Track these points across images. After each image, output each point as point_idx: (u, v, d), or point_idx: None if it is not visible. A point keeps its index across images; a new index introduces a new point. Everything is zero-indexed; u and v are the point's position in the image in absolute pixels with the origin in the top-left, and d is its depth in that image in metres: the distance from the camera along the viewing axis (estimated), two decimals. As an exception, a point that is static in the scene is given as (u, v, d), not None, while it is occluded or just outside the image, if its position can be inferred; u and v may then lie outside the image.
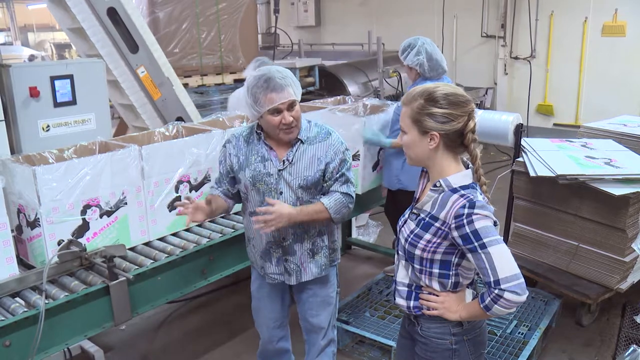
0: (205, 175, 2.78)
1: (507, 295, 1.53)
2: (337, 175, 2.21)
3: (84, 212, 2.33)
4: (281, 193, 2.18)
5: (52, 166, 2.23)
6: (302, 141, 2.18)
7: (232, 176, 2.29)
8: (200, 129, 2.90)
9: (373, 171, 3.47)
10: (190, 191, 2.73)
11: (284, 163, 2.17)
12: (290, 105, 2.10)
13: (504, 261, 1.55)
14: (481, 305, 1.60)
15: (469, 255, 1.60)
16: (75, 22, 3.99)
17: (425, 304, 1.74)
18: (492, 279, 1.55)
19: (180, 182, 2.68)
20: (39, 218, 2.21)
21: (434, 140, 1.63)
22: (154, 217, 2.61)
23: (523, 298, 1.54)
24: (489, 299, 1.57)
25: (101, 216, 2.40)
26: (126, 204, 2.47)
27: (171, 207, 2.66)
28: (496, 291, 1.54)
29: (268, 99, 2.05)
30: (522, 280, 1.55)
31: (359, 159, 3.33)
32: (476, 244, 1.56)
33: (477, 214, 1.56)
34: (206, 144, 2.75)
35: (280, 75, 2.08)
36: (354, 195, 2.26)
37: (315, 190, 2.22)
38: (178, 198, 2.68)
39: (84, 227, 2.34)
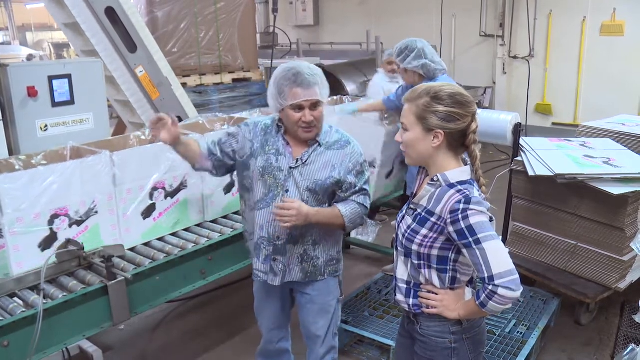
0: (182, 182, 2.68)
1: (501, 291, 1.53)
2: (356, 188, 2.17)
3: (51, 222, 2.22)
4: (287, 191, 2.13)
5: (14, 174, 2.11)
6: (320, 144, 2.14)
7: (230, 150, 2.23)
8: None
9: (386, 179, 3.47)
10: (166, 198, 2.63)
11: (297, 162, 2.12)
12: (314, 105, 2.05)
13: (498, 257, 1.55)
14: (477, 302, 1.60)
15: (464, 251, 1.61)
16: (71, 18, 3.97)
17: (424, 302, 1.74)
18: (486, 275, 1.55)
19: (155, 188, 2.56)
20: (1, 229, 2.11)
21: (438, 138, 1.64)
22: (127, 226, 2.50)
23: (517, 294, 1.54)
24: (484, 295, 1.57)
25: (70, 226, 2.28)
26: (97, 212, 2.37)
27: (145, 214, 2.57)
28: (490, 287, 1.54)
29: (293, 93, 2.01)
30: (517, 276, 1.55)
31: (375, 167, 3.33)
32: (471, 239, 1.56)
33: (472, 209, 1.57)
34: None
35: (310, 72, 2.03)
36: (369, 208, 2.23)
37: (323, 198, 2.16)
38: (153, 205, 2.58)
39: (51, 238, 2.23)
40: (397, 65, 4.78)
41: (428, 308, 1.74)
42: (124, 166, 2.43)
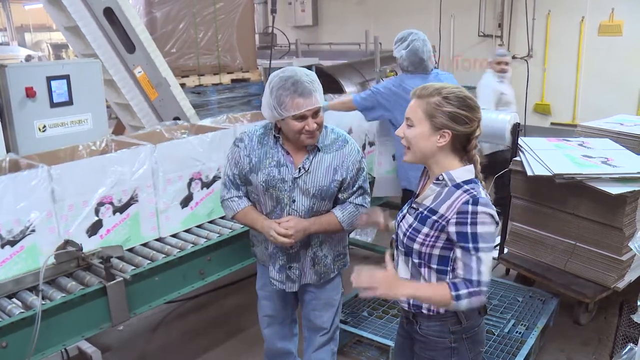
0: (132, 196, 2.50)
1: (482, 296, 1.61)
2: (354, 188, 2.18)
3: None
4: (294, 201, 2.13)
5: None
6: (318, 148, 2.13)
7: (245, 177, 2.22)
8: (131, 143, 2.63)
9: (394, 160, 3.50)
10: (115, 213, 2.45)
11: (299, 171, 2.11)
12: (316, 113, 2.04)
13: (487, 268, 1.62)
14: (452, 294, 1.60)
15: (458, 250, 1.63)
16: (71, 21, 3.98)
17: (356, 285, 1.66)
18: (474, 279, 1.60)
19: (101, 203, 2.39)
20: None
21: (444, 138, 1.64)
22: None
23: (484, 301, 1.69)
24: (466, 291, 1.60)
25: (3, 246, 2.11)
26: (34, 231, 2.18)
27: (91, 232, 2.40)
28: (477, 289, 1.60)
29: (295, 104, 1.98)
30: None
31: (374, 144, 3.40)
32: (471, 245, 1.60)
33: (482, 213, 1.58)
34: (131, 161, 2.46)
35: (308, 79, 2.00)
36: (368, 206, 2.23)
37: (330, 202, 2.19)
38: (99, 222, 2.41)
39: None
40: (506, 63, 4.84)
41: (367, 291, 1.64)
42: (64, 180, 2.25)
